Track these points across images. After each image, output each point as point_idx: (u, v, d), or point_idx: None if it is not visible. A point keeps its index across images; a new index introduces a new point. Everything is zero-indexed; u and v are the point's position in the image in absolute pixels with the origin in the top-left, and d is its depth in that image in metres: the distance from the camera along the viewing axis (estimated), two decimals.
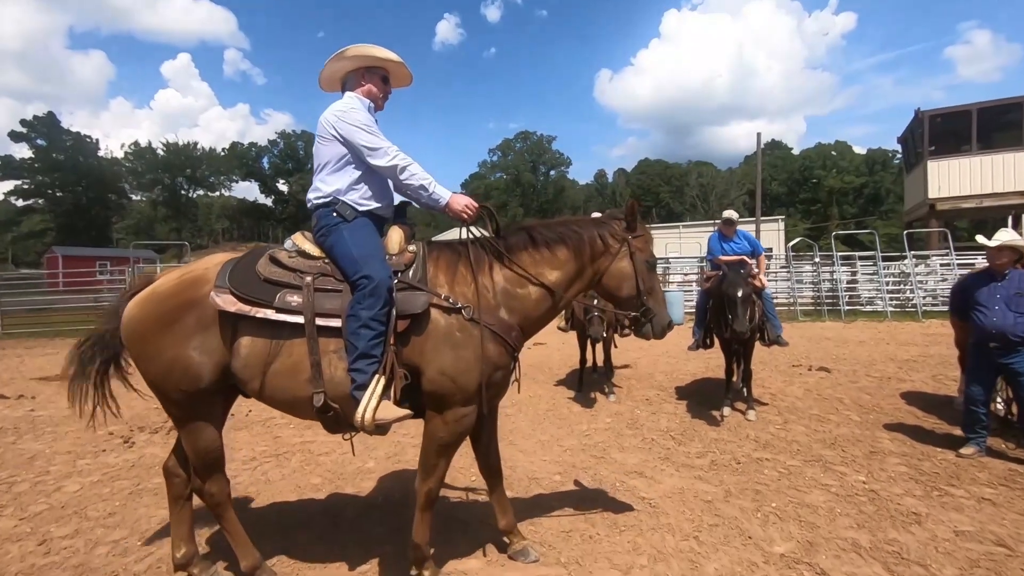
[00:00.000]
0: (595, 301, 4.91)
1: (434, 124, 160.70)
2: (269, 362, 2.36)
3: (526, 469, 4.19)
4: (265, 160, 72.22)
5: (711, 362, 8.11)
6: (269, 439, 5.07)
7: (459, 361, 2.42)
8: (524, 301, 2.62)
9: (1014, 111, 17.15)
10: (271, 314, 2.34)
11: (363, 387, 2.26)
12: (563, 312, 5.86)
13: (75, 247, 45.45)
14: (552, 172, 78.48)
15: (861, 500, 3.55)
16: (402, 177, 2.57)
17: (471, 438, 2.88)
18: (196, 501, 2.72)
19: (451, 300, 2.46)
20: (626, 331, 6.34)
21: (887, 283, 15.92)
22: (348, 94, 2.74)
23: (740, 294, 5.11)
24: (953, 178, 17.89)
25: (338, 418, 2.40)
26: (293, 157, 70.19)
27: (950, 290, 5.47)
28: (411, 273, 2.51)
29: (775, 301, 6.75)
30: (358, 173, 2.61)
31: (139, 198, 66.97)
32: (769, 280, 6.08)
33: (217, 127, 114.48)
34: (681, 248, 22.10)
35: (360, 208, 2.59)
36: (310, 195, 2.67)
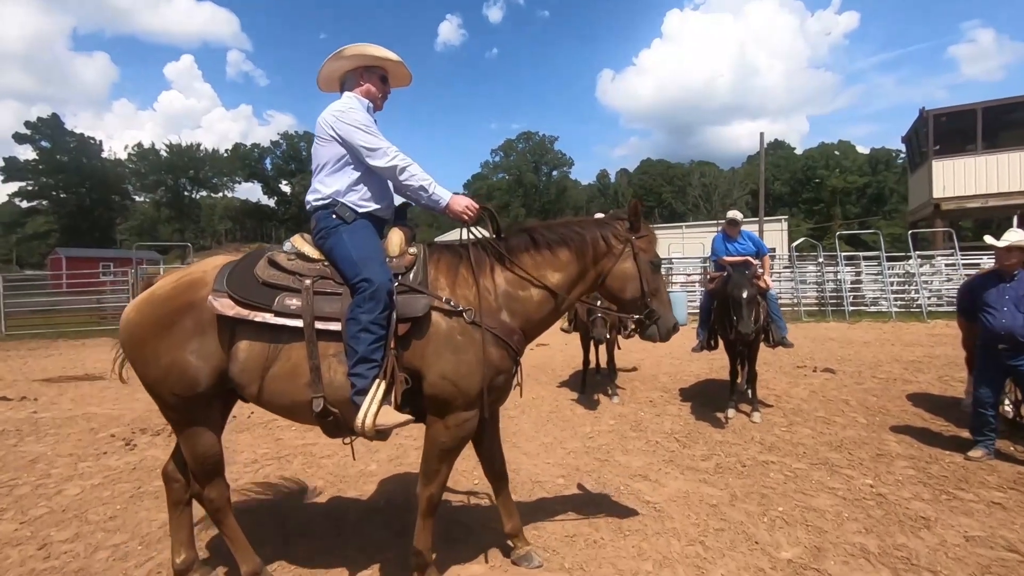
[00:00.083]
0: (598, 302, 4.88)
1: (436, 125, 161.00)
2: (267, 366, 2.33)
3: (529, 472, 4.16)
4: (268, 161, 72.38)
5: (715, 363, 8.06)
6: (271, 441, 5.04)
7: (461, 365, 2.38)
8: (526, 304, 2.59)
9: (1019, 110, 17.06)
10: (270, 318, 2.31)
11: (363, 392, 2.23)
12: (566, 313, 5.83)
13: (78, 248, 45.64)
14: (554, 172, 78.44)
15: (869, 504, 3.50)
16: (401, 178, 2.54)
17: (474, 442, 2.84)
18: (196, 506, 2.70)
19: (452, 303, 2.42)
20: (629, 333, 6.29)
21: (891, 283, 15.83)
22: (347, 94, 2.70)
23: (745, 295, 5.07)
24: (958, 177, 17.79)
25: (338, 423, 2.36)
26: (296, 158, 70.24)
27: (957, 291, 5.42)
28: (412, 276, 2.48)
29: (779, 302, 6.70)
30: (357, 174, 2.57)
31: (142, 199, 67.15)
32: (773, 280, 6.03)
33: (220, 128, 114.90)
34: (684, 248, 22.03)
35: (360, 210, 2.56)
36: (309, 197, 2.64)
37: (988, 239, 4.43)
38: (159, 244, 42.26)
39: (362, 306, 2.26)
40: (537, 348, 10.19)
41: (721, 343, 6.03)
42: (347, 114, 2.54)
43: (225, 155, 71.37)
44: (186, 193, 67.76)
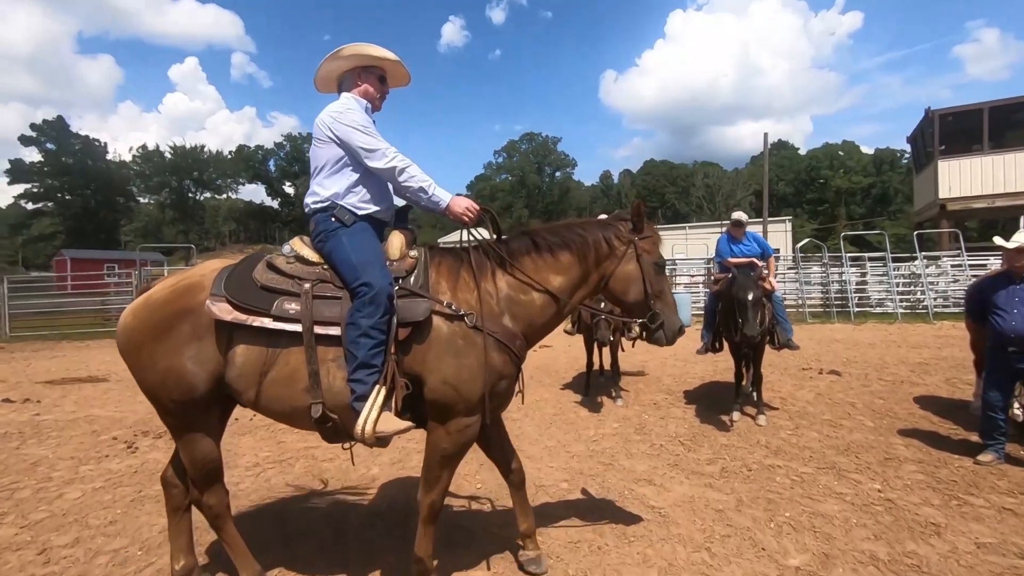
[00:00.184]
0: (602, 304, 4.84)
1: (439, 126, 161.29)
2: (265, 371, 2.30)
3: (533, 476, 4.11)
4: (271, 163, 72.63)
5: (719, 365, 8.00)
6: (272, 444, 5.02)
7: (462, 370, 2.34)
8: (528, 308, 2.55)
9: None
10: (268, 322, 2.27)
11: (363, 398, 2.19)
12: (570, 315, 5.79)
13: (83, 250, 45.95)
14: (557, 173, 78.42)
15: (877, 510, 3.45)
16: (401, 179, 2.50)
17: (483, 447, 2.81)
18: (196, 512, 2.67)
19: (453, 307, 2.39)
20: (633, 335, 6.25)
21: (897, 284, 15.72)
22: (344, 95, 2.67)
23: (750, 297, 5.02)
24: (964, 178, 17.67)
25: (337, 428, 2.33)
26: (299, 160, 70.37)
27: (965, 292, 5.36)
28: (412, 279, 2.44)
29: (783, 303, 6.65)
30: (356, 176, 2.54)
31: (147, 201, 67.48)
32: (777, 281, 5.98)
33: (224, 130, 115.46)
34: (688, 249, 21.95)
35: (359, 212, 2.52)
36: (307, 199, 2.60)
37: (997, 240, 4.37)
38: (163, 246, 42.36)
39: (362, 310, 2.23)
40: (540, 350, 10.14)
41: (726, 345, 5.98)
42: (345, 115, 2.50)
43: (229, 157, 71.64)
44: (190, 195, 68.02)
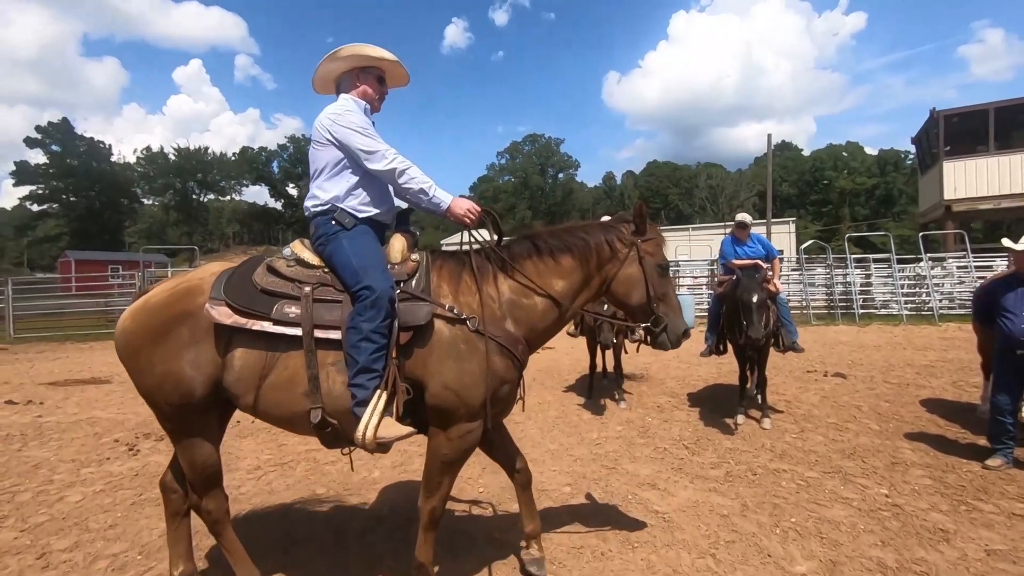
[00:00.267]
0: (605, 307, 4.81)
1: (442, 128, 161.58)
2: (264, 375, 2.27)
3: (536, 480, 3.99)
4: (275, 164, 72.76)
5: (723, 367, 7.95)
6: (274, 447, 4.99)
7: (464, 375, 2.31)
8: (530, 312, 2.51)
9: None
10: (268, 326, 2.25)
11: (364, 403, 2.16)
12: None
13: (88, 251, 46.11)
14: (560, 175, 78.43)
15: (885, 515, 3.40)
16: (401, 181, 2.47)
17: (487, 451, 2.78)
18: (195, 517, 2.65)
19: (455, 311, 2.36)
20: (636, 338, 6.20)
21: (902, 286, 15.62)
22: (343, 96, 2.64)
23: (755, 299, 4.97)
24: (970, 179, 17.56)
25: (336, 433, 2.30)
26: (303, 161, 70.27)
27: (973, 294, 5.30)
28: (414, 283, 2.41)
29: (788, 305, 6.60)
30: (356, 178, 2.51)
31: (151, 202, 67.72)
32: (781, 283, 5.93)
33: (228, 132, 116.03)
34: (691, 251, 21.91)
35: (359, 215, 2.49)
36: (307, 203, 2.58)
37: (1006, 242, 4.31)
38: (167, 247, 42.53)
39: (363, 314, 2.20)
40: (543, 352, 10.10)
41: (730, 348, 5.93)
42: (343, 117, 2.47)
43: (233, 158, 71.85)
44: (194, 196, 68.24)
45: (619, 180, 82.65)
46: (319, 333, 2.27)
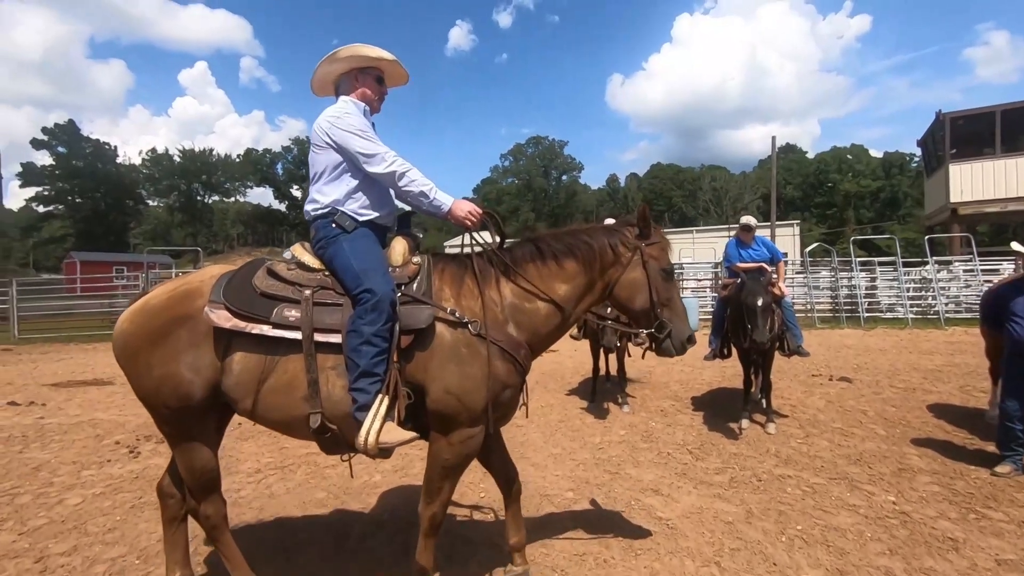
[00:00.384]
0: (608, 311, 4.77)
1: (446, 130, 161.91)
2: (263, 379, 2.24)
3: (538, 485, 4.04)
4: (279, 166, 72.89)
5: (727, 371, 7.90)
6: (275, 450, 4.97)
7: (465, 379, 2.28)
8: (533, 316, 2.48)
9: None
10: (267, 330, 2.22)
11: (365, 408, 2.13)
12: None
13: (93, 252, 46.30)
14: (564, 177, 78.43)
15: (892, 523, 3.35)
16: (401, 184, 2.44)
17: (483, 459, 2.74)
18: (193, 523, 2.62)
19: (457, 314, 2.32)
20: (638, 342, 6.16)
21: (908, 289, 15.52)
22: (342, 98, 2.61)
23: (760, 303, 4.93)
24: (976, 181, 17.46)
25: (336, 439, 2.27)
26: (307, 163, 69.78)
27: (981, 298, 5.23)
28: (415, 286, 2.38)
29: (793, 308, 6.54)
30: (356, 181, 2.48)
31: (156, 204, 68.01)
32: (786, 286, 5.88)
33: (233, 134, 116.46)
34: (695, 253, 21.85)
35: (360, 218, 2.47)
36: (308, 206, 2.55)
37: (1015, 246, 4.26)
38: (171, 248, 42.68)
39: (364, 318, 2.17)
40: (546, 355, 9.94)
41: (735, 351, 5.88)
42: (342, 119, 2.45)
43: (237, 160, 72.04)
44: (199, 198, 68.47)
45: (623, 182, 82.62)
46: (319, 337, 2.25)
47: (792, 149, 73.81)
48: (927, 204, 22.18)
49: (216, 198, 71.23)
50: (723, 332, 5.93)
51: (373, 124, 2.60)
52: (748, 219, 6.11)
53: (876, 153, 69.25)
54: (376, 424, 2.12)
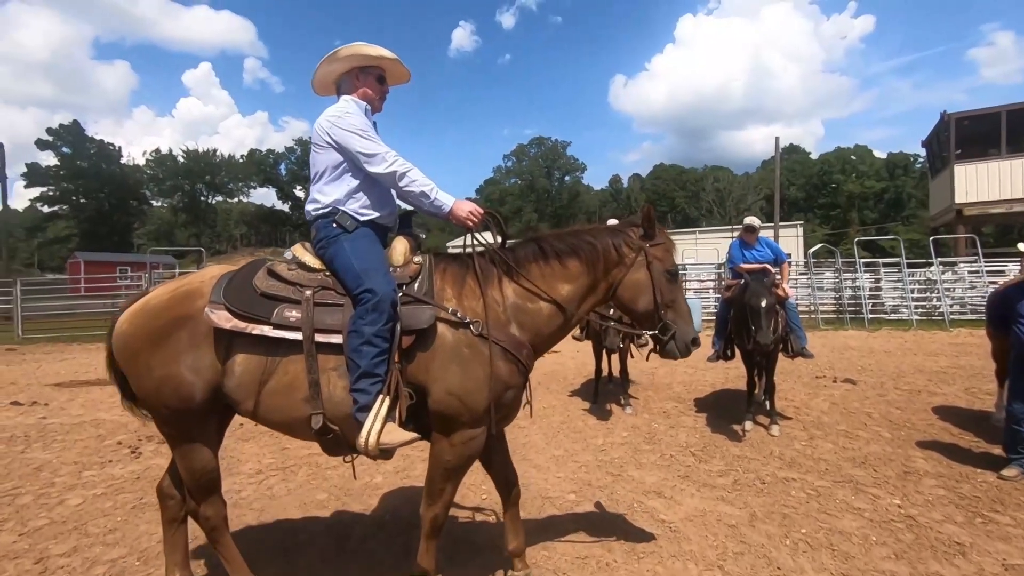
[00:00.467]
0: (611, 312, 4.74)
1: (449, 130, 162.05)
2: (264, 381, 2.22)
3: (540, 487, 4.02)
4: (282, 167, 73.11)
5: (731, 372, 7.86)
6: (276, 451, 4.96)
7: (467, 380, 2.26)
8: (535, 316, 2.46)
9: None
10: (268, 330, 2.20)
11: (366, 409, 2.12)
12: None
13: (97, 252, 46.49)
14: (567, 177, 78.47)
15: (898, 527, 3.31)
16: (401, 184, 2.42)
17: (484, 460, 2.72)
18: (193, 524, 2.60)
19: (459, 315, 2.30)
20: (641, 343, 6.12)
21: (912, 291, 15.44)
22: (344, 97, 2.59)
23: (764, 304, 4.89)
24: (981, 182, 17.38)
25: (338, 440, 2.25)
26: (309, 164, 70.80)
27: (987, 300, 5.20)
28: (416, 286, 2.36)
29: (797, 309, 6.51)
30: (357, 181, 2.47)
31: (159, 204, 68.29)
32: (790, 287, 5.84)
33: (236, 134, 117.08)
34: (697, 254, 21.78)
35: (361, 218, 2.45)
36: (308, 206, 2.54)
37: (1022, 247, 4.23)
38: (174, 248, 42.80)
39: (364, 318, 2.16)
40: (548, 356, 9.96)
41: (738, 353, 5.85)
42: (343, 119, 2.43)
43: (241, 161, 72.30)
44: (202, 198, 68.72)
45: (625, 183, 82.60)
46: (320, 337, 2.23)
47: (795, 150, 73.64)
48: (932, 205, 22.09)
49: (220, 199, 71.53)
50: (727, 334, 5.90)
51: (375, 123, 2.58)
52: (752, 220, 6.08)
53: (880, 154, 69.16)
54: (376, 425, 2.10)
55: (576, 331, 7.06)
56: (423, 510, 2.41)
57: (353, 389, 2.16)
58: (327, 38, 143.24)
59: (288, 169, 72.60)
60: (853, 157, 67.84)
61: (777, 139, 23.72)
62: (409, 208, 2.66)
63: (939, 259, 15.53)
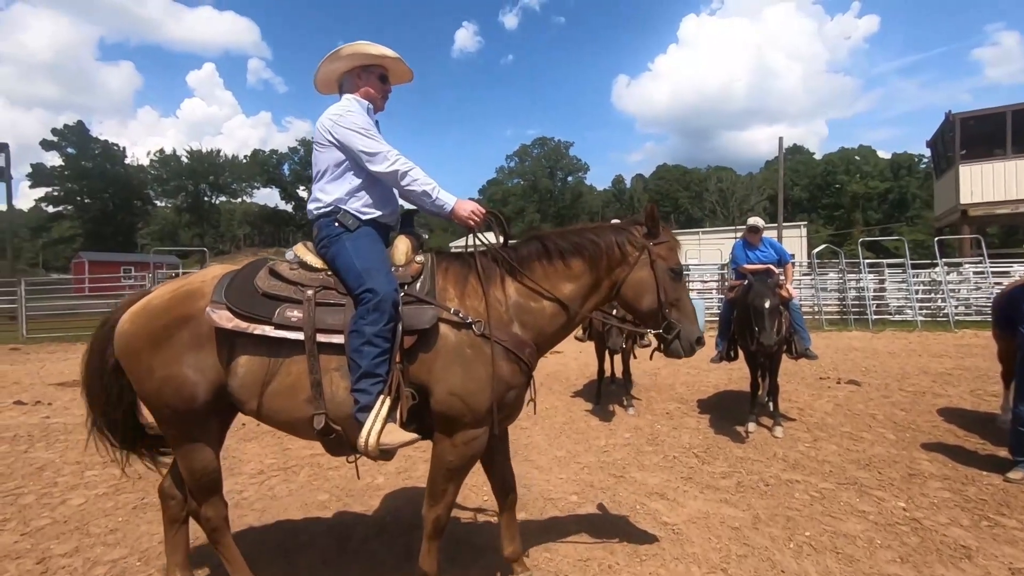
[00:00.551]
0: (614, 312, 4.72)
1: (452, 131, 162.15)
2: (267, 381, 2.22)
3: (541, 489, 4.00)
4: (286, 167, 73.29)
5: (734, 373, 7.83)
6: (278, 451, 4.95)
7: (470, 380, 2.25)
8: (538, 316, 2.44)
9: None
10: (269, 330, 2.20)
11: (367, 409, 2.11)
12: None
13: (101, 252, 46.66)
14: (570, 178, 78.46)
15: (903, 530, 3.28)
16: (403, 183, 2.41)
17: (485, 461, 2.70)
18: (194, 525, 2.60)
19: (461, 314, 2.29)
20: (644, 343, 6.10)
21: (917, 291, 15.36)
22: (346, 96, 2.58)
23: (767, 305, 4.87)
24: (986, 183, 17.28)
25: (340, 440, 2.25)
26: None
27: (992, 301, 5.16)
28: (418, 286, 2.35)
29: (801, 310, 6.48)
30: (359, 180, 2.46)
31: (163, 204, 68.48)
32: (794, 288, 5.81)
33: (240, 135, 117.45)
34: (701, 255, 21.71)
35: (363, 217, 2.44)
36: (310, 205, 2.53)
37: None
38: (178, 248, 42.93)
39: (366, 318, 2.15)
40: (551, 356, 10.02)
41: (741, 354, 5.82)
42: (345, 118, 2.42)
43: (244, 161, 72.51)
44: (206, 198, 68.92)
45: (628, 183, 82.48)
46: (321, 337, 2.22)
47: (799, 150, 73.44)
48: (936, 205, 21.99)
49: (223, 199, 71.71)
50: (730, 334, 5.87)
51: (377, 122, 2.57)
52: (756, 220, 6.06)
53: (884, 154, 68.93)
54: (377, 425, 2.09)
55: (578, 332, 7.05)
56: (425, 511, 2.40)
57: (354, 389, 2.15)
58: (330, 38, 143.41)
59: (291, 169, 72.82)
60: (857, 157, 67.65)
61: (781, 139, 23.74)
62: (411, 207, 2.66)
63: (944, 260, 15.46)
